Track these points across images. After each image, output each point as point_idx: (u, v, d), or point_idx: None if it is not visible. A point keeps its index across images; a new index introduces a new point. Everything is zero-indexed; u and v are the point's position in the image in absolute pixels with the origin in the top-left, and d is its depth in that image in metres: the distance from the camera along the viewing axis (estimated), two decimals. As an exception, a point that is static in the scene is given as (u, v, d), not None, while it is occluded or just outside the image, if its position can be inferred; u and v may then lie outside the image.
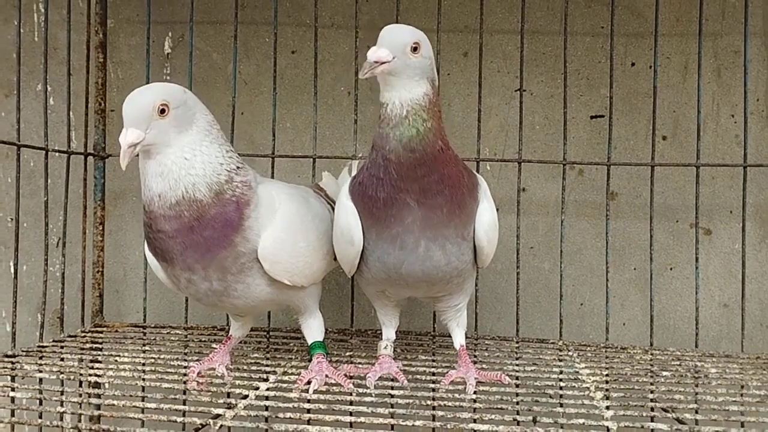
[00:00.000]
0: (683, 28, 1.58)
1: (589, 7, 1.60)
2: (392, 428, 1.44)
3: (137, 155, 1.02)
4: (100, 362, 1.25)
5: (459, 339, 1.20)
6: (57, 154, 1.51)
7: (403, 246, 1.04)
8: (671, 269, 1.60)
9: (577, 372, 1.22)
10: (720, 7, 1.57)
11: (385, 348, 1.19)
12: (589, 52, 1.60)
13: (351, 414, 0.98)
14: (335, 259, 1.19)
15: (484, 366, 1.24)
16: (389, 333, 1.22)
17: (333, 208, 1.26)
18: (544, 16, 1.61)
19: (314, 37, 1.53)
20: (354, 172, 1.48)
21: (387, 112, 1.03)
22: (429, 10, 1.61)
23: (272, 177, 1.53)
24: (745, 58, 1.46)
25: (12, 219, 1.67)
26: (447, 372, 1.16)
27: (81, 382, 1.25)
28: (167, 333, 1.50)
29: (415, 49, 1.03)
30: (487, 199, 1.12)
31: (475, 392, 1.09)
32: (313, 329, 1.21)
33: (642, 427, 0.94)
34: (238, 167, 1.06)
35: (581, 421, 0.96)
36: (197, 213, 1.01)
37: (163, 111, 1.00)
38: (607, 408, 1.00)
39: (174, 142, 1.02)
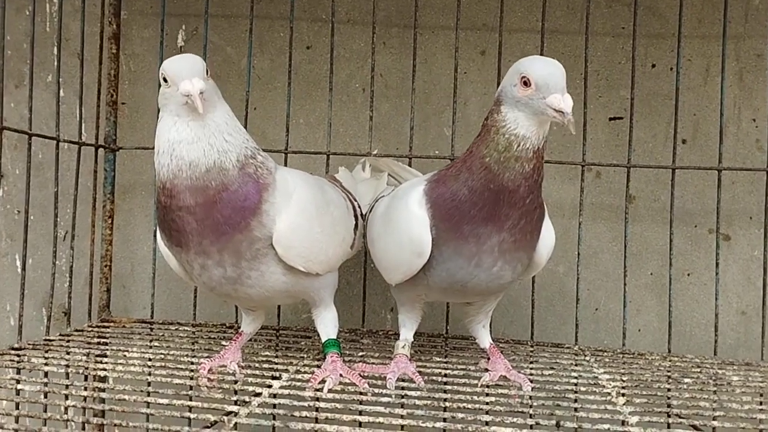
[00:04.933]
0: (705, 30, 1.56)
1: (609, 7, 1.58)
2: (402, 428, 1.41)
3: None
4: (107, 357, 1.22)
5: (487, 339, 1.21)
6: (67, 146, 1.48)
7: (479, 264, 1.03)
8: (689, 275, 1.57)
9: (597, 377, 1.19)
10: (743, 10, 1.55)
11: (403, 347, 1.17)
12: (609, 52, 1.58)
13: (361, 413, 0.95)
14: (352, 247, 1.17)
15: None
16: (408, 334, 1.20)
17: (349, 198, 1.25)
18: (564, 15, 1.59)
19: (330, 33, 1.50)
20: (368, 170, 1.46)
21: (521, 145, 0.98)
22: (447, 7, 1.59)
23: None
24: (769, 61, 1.44)
25: (19, 211, 1.65)
26: (466, 372, 1.13)
27: (87, 377, 1.22)
28: (175, 329, 1.47)
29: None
30: (547, 217, 1.10)
31: (488, 394, 1.07)
32: (327, 324, 1.18)
33: (668, 433, 0.91)
34: (256, 148, 1.07)
35: (606, 426, 0.93)
36: (222, 185, 1.00)
37: (207, 72, 1.03)
38: (631, 414, 0.98)
39: (219, 106, 1.04)
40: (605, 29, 1.58)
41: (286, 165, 1.51)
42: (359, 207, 1.30)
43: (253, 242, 1.02)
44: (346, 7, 1.62)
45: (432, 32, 1.60)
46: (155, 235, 1.40)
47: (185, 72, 0.99)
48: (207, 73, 1.02)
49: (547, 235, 1.09)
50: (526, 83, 0.98)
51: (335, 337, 1.17)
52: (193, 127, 1.01)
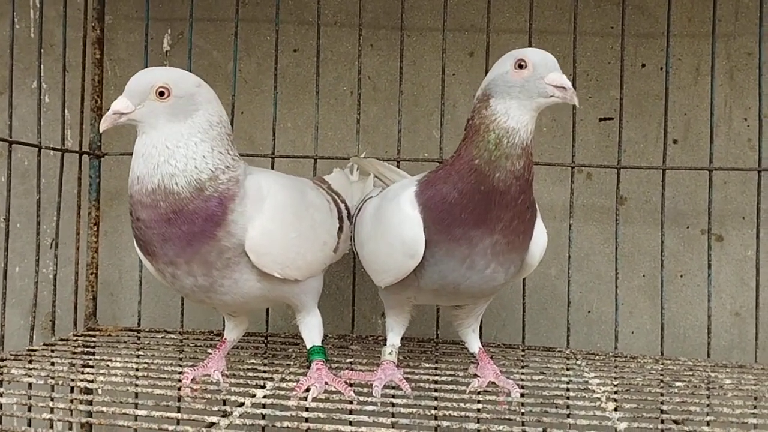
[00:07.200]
0: (695, 29, 1.54)
1: (598, 6, 1.56)
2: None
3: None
4: (91, 367, 1.20)
5: (477, 343, 1.19)
6: (51, 152, 1.47)
7: (471, 266, 1.02)
8: (681, 276, 1.56)
9: (587, 382, 1.17)
10: (733, 8, 1.53)
11: (390, 354, 1.15)
12: (599, 52, 1.57)
13: (351, 423, 0.94)
14: (335, 251, 1.15)
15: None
16: (395, 339, 1.18)
17: (335, 200, 1.23)
18: (553, 15, 1.57)
19: (317, 36, 1.49)
20: (356, 173, 1.44)
21: (510, 140, 0.98)
22: (434, 8, 1.57)
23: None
24: (760, 59, 1.42)
25: (4, 219, 1.63)
26: (455, 378, 1.12)
27: (72, 388, 1.20)
28: (162, 337, 1.45)
29: None
30: (540, 217, 1.09)
31: (478, 401, 1.05)
32: (312, 330, 1.15)
33: (657, 440, 0.89)
34: (227, 167, 1.01)
35: (593, 433, 0.92)
36: (174, 206, 0.97)
37: (162, 93, 0.99)
38: (620, 420, 0.96)
39: (161, 128, 1.00)
40: (594, 29, 1.56)
41: (272, 169, 1.50)
42: (347, 209, 1.27)
43: (222, 252, 1.00)
44: (332, 9, 1.61)
45: (420, 34, 1.59)
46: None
47: (126, 90, 1.00)
48: (165, 94, 0.98)
49: (540, 235, 1.08)
50: (521, 65, 0.98)
51: (320, 344, 1.15)
52: (141, 144, 1.01)
